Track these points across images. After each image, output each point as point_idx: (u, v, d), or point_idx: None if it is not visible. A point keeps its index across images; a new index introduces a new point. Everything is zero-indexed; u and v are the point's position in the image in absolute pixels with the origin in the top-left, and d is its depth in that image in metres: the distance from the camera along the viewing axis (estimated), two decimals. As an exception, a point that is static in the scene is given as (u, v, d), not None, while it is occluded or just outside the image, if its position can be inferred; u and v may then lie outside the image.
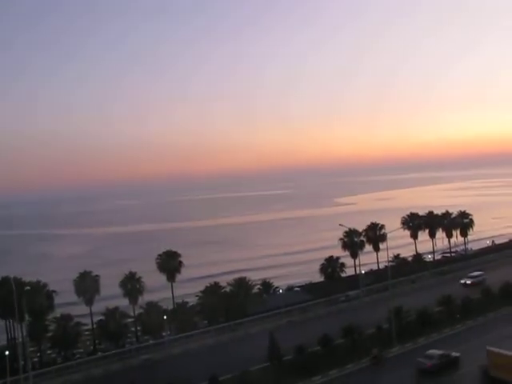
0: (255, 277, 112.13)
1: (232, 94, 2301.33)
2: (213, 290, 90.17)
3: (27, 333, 74.52)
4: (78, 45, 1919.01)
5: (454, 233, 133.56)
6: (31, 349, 79.39)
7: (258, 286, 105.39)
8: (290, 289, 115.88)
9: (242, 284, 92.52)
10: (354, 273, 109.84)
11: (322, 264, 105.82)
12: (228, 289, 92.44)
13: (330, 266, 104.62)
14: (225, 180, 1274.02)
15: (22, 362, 65.99)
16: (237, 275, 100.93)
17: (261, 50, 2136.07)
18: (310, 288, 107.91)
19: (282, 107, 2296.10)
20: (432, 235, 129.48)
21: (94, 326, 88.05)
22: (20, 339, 79.77)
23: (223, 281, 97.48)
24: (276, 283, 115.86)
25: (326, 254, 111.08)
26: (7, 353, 68.24)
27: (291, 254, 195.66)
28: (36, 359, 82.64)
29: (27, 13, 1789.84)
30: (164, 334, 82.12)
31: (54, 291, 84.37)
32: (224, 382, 54.67)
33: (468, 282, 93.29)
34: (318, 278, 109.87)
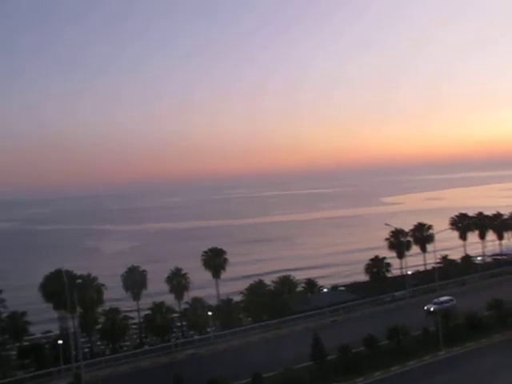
0: (300, 275, 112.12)
1: (277, 92, 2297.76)
2: (257, 287, 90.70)
3: (78, 324, 77.00)
4: (125, 45, 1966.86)
5: (505, 235, 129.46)
6: (82, 339, 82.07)
7: (303, 285, 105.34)
8: (334, 288, 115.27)
9: (286, 282, 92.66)
10: (399, 273, 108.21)
11: (368, 264, 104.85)
12: (272, 286, 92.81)
13: (376, 265, 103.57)
14: (270, 178, 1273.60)
15: (74, 352, 68.47)
16: (281, 273, 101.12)
17: (306, 48, 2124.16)
18: (354, 288, 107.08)
19: (329, 105, 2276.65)
20: (482, 237, 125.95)
21: (141, 320, 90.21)
22: (72, 330, 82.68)
23: (268, 279, 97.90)
24: (320, 282, 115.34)
25: (372, 253, 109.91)
26: (61, 342, 71.13)
27: (336, 253, 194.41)
28: (87, 349, 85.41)
29: (73, 10, 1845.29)
30: (209, 329, 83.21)
31: (103, 285, 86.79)
32: (267, 379, 55.02)
33: (432, 308, 78.41)
34: (363, 278, 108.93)
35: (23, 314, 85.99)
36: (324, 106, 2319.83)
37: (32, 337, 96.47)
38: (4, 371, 76.03)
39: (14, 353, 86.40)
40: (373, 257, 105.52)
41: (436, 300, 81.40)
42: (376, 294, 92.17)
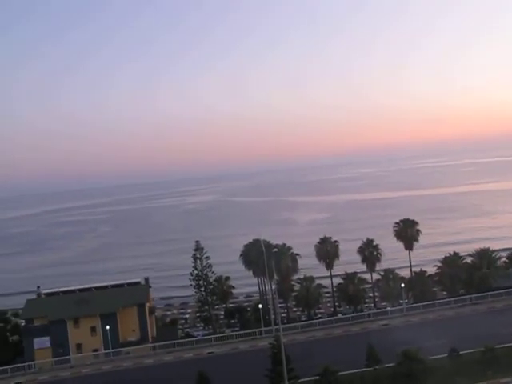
0: (500, 248, 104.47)
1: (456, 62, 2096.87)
2: (452, 260, 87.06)
3: (276, 290, 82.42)
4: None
5: None
6: (279, 305, 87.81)
7: (504, 259, 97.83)
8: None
9: (484, 255, 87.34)
10: None
11: None
12: (469, 260, 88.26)
13: None
14: (467, 145, 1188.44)
15: (273, 316, 73.78)
16: (479, 246, 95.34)
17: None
18: None
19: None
20: None
21: (334, 289, 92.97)
22: (270, 295, 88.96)
23: (464, 251, 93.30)
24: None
25: None
26: (261, 306, 77.26)
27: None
28: (283, 314, 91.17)
29: None
30: (401, 301, 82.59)
31: (297, 254, 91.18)
32: (464, 355, 53.18)
33: None
34: None
35: (227, 278, 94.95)
36: None
37: (236, 299, 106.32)
38: (214, 328, 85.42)
39: (222, 313, 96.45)
40: None
41: None
42: None
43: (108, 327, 71.14)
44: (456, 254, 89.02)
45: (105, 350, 71.24)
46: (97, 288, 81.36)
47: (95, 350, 71.75)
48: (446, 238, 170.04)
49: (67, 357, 70.13)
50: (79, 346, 72.27)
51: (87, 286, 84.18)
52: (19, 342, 76.60)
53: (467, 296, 78.50)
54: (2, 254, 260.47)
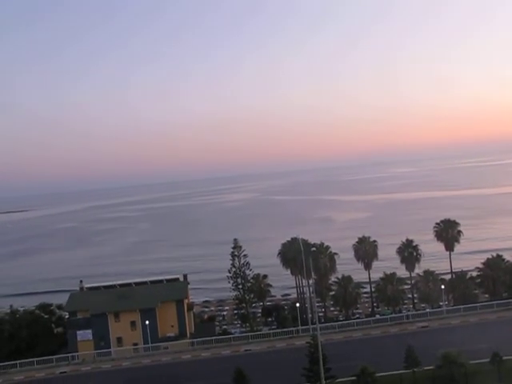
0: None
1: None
2: (495, 262, 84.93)
3: (313, 289, 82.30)
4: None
5: None
6: (317, 304, 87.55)
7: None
8: None
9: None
10: None
11: None
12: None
13: None
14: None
15: (310, 315, 73.75)
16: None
17: None
18: None
19: None
20: None
21: (372, 289, 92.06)
22: (307, 294, 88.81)
23: (507, 254, 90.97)
24: None
25: None
26: (298, 305, 77.25)
27: None
28: (321, 314, 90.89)
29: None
30: (441, 303, 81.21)
31: (335, 253, 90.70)
32: (508, 361, 51.81)
33: None
34: None
35: (265, 276, 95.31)
36: None
37: (273, 298, 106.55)
38: (251, 325, 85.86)
39: (259, 311, 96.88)
40: None
41: None
42: None
43: (147, 322, 72.53)
44: (499, 256, 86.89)
45: (144, 344, 72.69)
46: (137, 283, 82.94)
47: (135, 344, 73.28)
48: (488, 239, 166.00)
49: (108, 349, 71.98)
50: (119, 340, 73.93)
51: (127, 281, 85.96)
52: (63, 333, 78.91)
53: (511, 299, 76.53)
54: (52, 248, 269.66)
